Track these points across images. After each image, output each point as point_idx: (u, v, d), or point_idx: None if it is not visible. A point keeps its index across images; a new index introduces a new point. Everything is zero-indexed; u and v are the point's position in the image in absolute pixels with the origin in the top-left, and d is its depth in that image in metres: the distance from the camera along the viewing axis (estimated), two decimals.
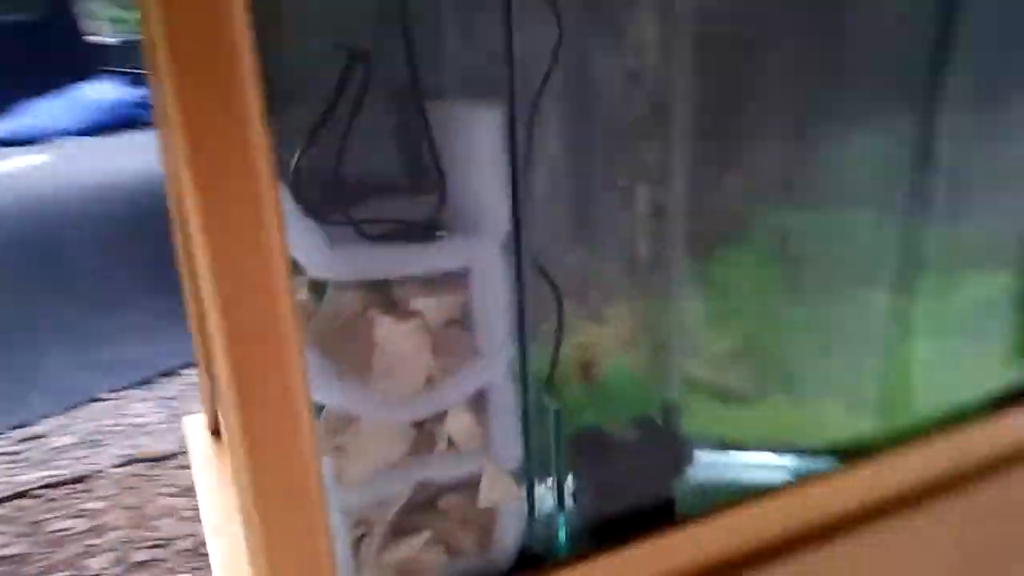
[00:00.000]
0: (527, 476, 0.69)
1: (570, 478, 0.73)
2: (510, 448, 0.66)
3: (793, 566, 0.79)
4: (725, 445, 0.81)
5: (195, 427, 1.04)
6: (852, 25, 0.73)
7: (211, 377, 1.00)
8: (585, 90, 0.67)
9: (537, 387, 0.67)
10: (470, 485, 0.67)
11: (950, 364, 0.88)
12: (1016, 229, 0.86)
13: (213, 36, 0.44)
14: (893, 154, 0.77)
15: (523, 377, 0.65)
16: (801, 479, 0.81)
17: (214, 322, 0.49)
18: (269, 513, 0.55)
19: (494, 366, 0.63)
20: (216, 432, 1.02)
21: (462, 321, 0.63)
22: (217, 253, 0.48)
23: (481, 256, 0.60)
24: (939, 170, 0.78)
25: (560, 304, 0.68)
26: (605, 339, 0.78)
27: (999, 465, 0.91)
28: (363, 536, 0.64)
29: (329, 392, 0.57)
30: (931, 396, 0.87)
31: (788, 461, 0.83)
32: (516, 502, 0.68)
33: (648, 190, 0.73)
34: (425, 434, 0.64)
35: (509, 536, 0.69)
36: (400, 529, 0.66)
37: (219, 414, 1.03)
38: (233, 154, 0.46)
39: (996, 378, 0.91)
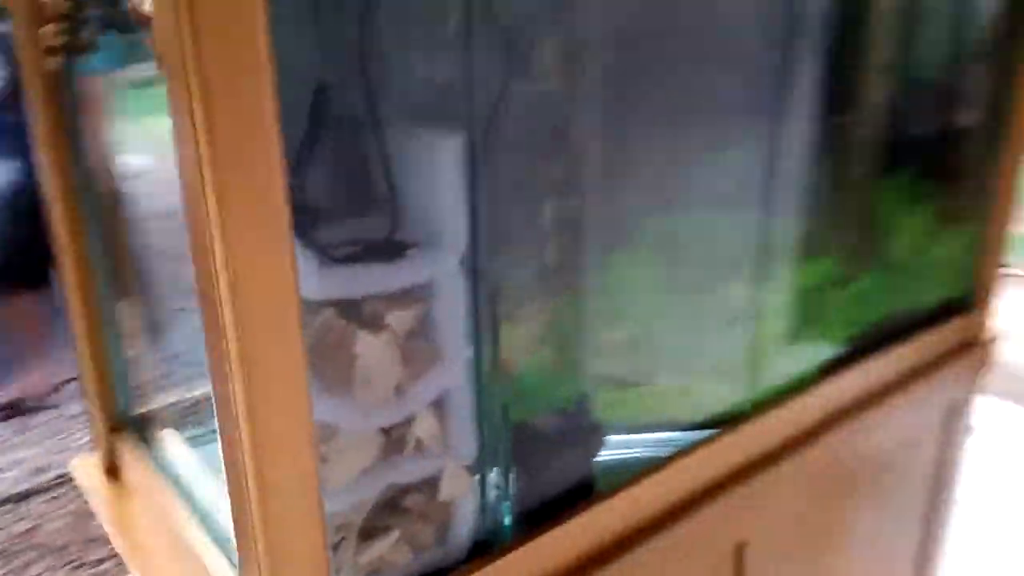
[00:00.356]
0: (480, 470, 0.75)
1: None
2: (467, 445, 0.73)
3: (689, 524, 0.92)
4: (629, 428, 0.92)
5: (86, 469, 0.99)
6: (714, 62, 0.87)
7: (105, 415, 0.97)
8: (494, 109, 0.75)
9: (487, 385, 0.74)
10: (430, 483, 0.73)
11: (790, 342, 1.06)
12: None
13: (243, 71, 0.48)
14: (748, 169, 0.93)
15: (477, 377, 0.72)
16: (684, 450, 0.94)
17: (232, 348, 0.52)
18: (273, 528, 0.58)
19: (454, 370, 0.70)
20: (111, 472, 0.98)
21: (422, 330, 0.69)
22: (240, 282, 0.51)
23: (444, 270, 0.66)
24: (780, 181, 0.96)
25: (495, 305, 0.76)
26: (519, 339, 0.87)
27: (827, 424, 1.10)
28: (342, 540, 0.68)
29: (317, 406, 0.61)
30: (778, 370, 1.04)
31: (677, 436, 0.96)
32: (471, 495, 0.75)
33: (554, 201, 0.83)
34: (394, 439, 0.69)
35: (464, 528, 0.76)
36: (369, 531, 0.70)
37: (115, 454, 0.99)
38: (257, 185, 0.50)
39: (824, 352, 1.11)
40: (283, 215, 0.51)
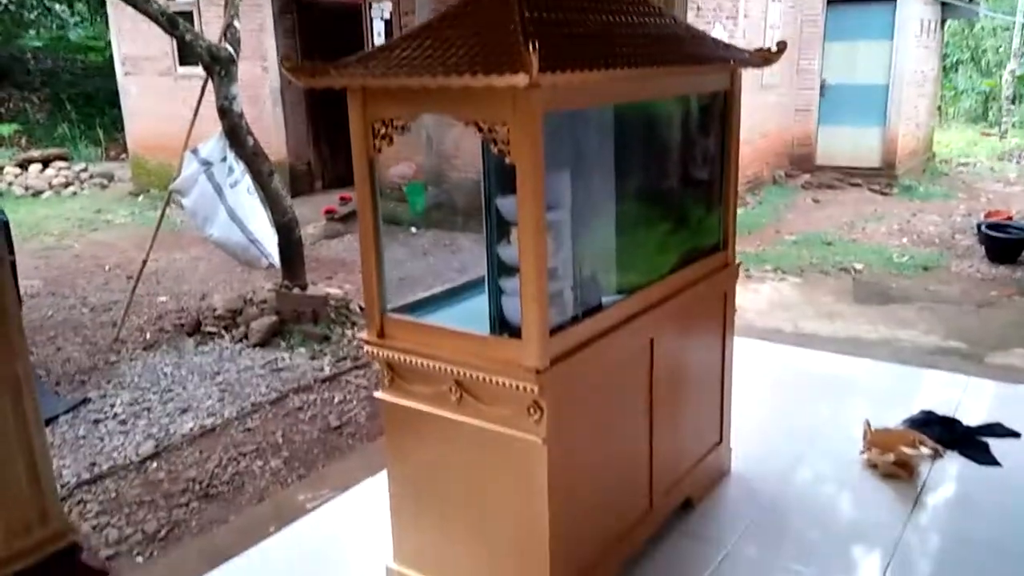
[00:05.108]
0: (573, 291, 2.10)
1: None
2: (568, 282, 2.08)
3: (633, 325, 2.30)
4: (608, 287, 2.31)
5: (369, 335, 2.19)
6: None
7: (380, 307, 2.19)
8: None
9: (576, 260, 2.09)
10: (558, 294, 2.06)
11: (661, 256, 2.51)
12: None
13: None
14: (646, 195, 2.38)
15: (573, 259, 2.07)
16: (628, 297, 2.33)
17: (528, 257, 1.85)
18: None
19: (564, 252, 2.04)
20: (380, 334, 2.19)
21: (554, 234, 2.03)
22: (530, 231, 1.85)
23: (561, 216, 2.02)
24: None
25: (576, 231, 2.12)
26: (580, 247, 2.24)
27: (675, 293, 2.54)
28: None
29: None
30: (657, 268, 2.48)
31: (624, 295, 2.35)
32: (570, 296, 2.09)
33: (590, 193, 2.21)
34: (552, 276, 2.02)
35: (568, 310, 2.09)
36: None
37: (384, 326, 2.21)
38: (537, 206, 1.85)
39: (670, 262, 2.56)
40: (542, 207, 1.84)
